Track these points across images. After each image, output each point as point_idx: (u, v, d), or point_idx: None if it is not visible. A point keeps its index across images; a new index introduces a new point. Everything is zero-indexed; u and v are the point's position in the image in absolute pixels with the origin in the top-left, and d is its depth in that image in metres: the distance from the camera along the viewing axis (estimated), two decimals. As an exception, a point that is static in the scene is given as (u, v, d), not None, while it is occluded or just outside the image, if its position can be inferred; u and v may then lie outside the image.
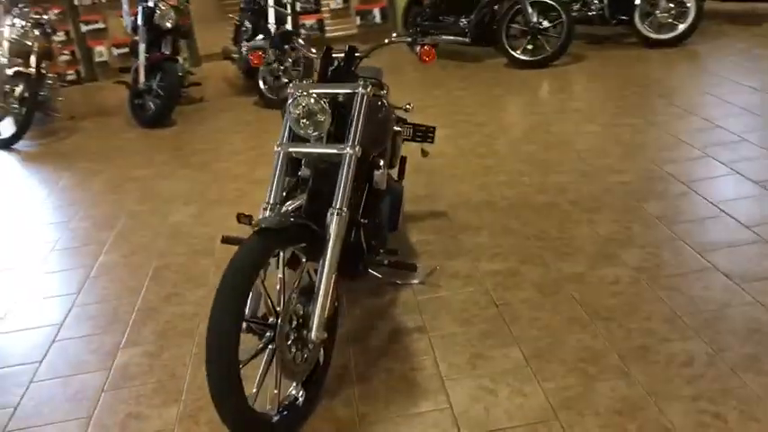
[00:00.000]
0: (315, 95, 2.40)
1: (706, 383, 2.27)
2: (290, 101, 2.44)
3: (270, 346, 2.20)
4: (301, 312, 2.27)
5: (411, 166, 3.65)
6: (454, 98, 5.94)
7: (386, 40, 2.89)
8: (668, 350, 2.45)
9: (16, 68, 6.19)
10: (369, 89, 2.53)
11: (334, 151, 2.46)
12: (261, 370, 2.22)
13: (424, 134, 3.56)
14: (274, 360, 2.19)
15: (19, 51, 6.30)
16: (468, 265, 3.20)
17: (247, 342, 2.18)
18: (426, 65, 2.78)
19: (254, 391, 2.18)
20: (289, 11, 6.56)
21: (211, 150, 5.39)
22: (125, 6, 6.85)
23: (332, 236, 2.32)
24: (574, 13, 6.64)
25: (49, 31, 6.56)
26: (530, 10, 6.53)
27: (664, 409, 2.18)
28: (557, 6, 6.41)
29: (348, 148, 2.43)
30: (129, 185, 4.85)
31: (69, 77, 8.17)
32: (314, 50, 2.93)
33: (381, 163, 2.76)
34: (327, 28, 8.51)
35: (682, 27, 6.39)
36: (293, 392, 2.34)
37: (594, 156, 4.26)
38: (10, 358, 2.95)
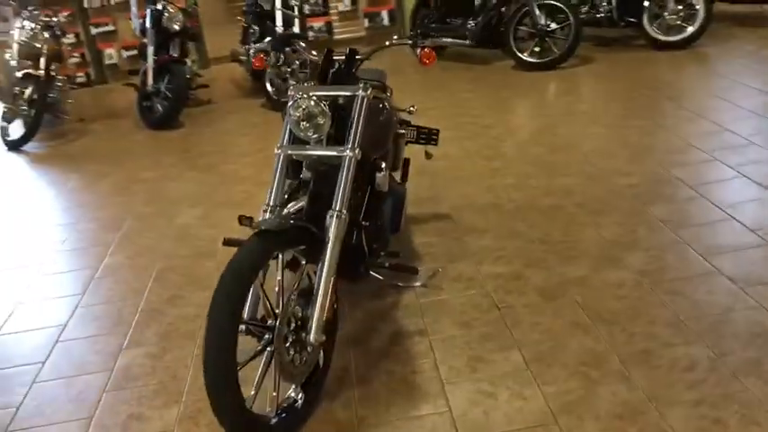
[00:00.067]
0: (315, 98, 2.40)
1: (708, 388, 2.25)
2: (290, 103, 2.44)
3: (268, 349, 2.20)
4: (300, 315, 2.27)
5: (415, 169, 3.65)
6: (461, 100, 5.93)
7: (386, 43, 2.89)
8: (671, 354, 2.43)
9: (26, 71, 6.25)
10: (369, 91, 2.52)
11: (334, 154, 2.46)
12: (259, 372, 2.21)
13: (427, 136, 3.55)
14: (273, 362, 2.19)
15: (29, 54, 6.35)
16: (471, 267, 3.19)
17: (246, 344, 2.19)
18: (427, 67, 2.78)
19: (253, 393, 2.19)
20: (296, 13, 6.58)
21: (218, 152, 5.40)
22: (134, 9, 6.90)
23: (331, 238, 2.31)
24: (582, 15, 6.61)
25: (59, 33, 6.60)
26: (537, 12, 6.51)
27: (664, 414, 2.17)
28: (564, 8, 6.39)
29: (348, 151, 2.43)
30: (136, 187, 4.87)
31: (79, 80, 8.22)
32: (314, 53, 2.94)
33: (383, 165, 2.76)
34: (335, 30, 8.52)
35: (690, 29, 6.35)
36: (292, 395, 2.34)
37: (601, 158, 4.24)
38: (14, 358, 2.97)
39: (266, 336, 2.20)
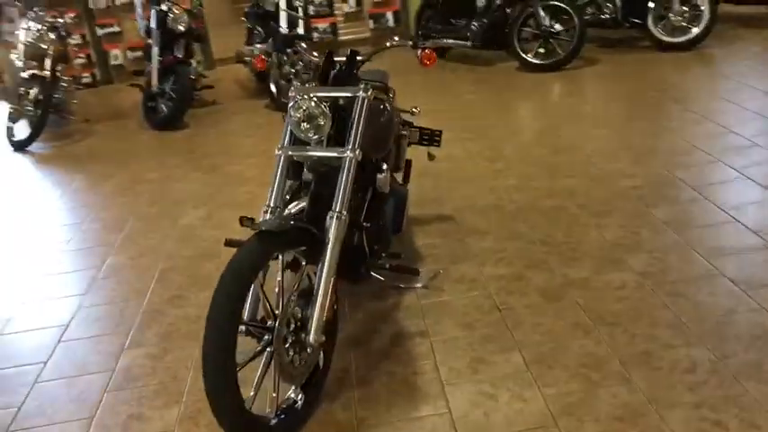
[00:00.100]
0: (315, 99, 2.41)
1: (708, 390, 2.24)
2: (290, 104, 2.45)
3: (268, 349, 2.20)
4: (300, 315, 2.27)
5: (418, 170, 3.65)
6: (464, 102, 5.93)
7: (387, 44, 2.89)
8: (671, 356, 2.43)
9: (31, 71, 6.27)
10: (369, 92, 2.52)
11: (334, 155, 2.47)
12: (259, 373, 2.22)
13: (430, 137, 3.56)
14: (272, 363, 2.19)
15: (34, 54, 6.37)
16: (473, 269, 3.18)
17: (246, 345, 2.19)
18: (427, 68, 2.78)
19: (252, 393, 2.19)
20: (301, 14, 6.59)
21: (223, 153, 5.41)
22: (139, 10, 6.92)
23: (331, 239, 2.32)
24: (586, 17, 6.61)
25: (65, 34, 6.61)
26: (542, 13, 6.49)
27: (665, 416, 2.16)
28: (569, 10, 6.38)
29: (348, 152, 2.43)
30: (140, 188, 4.88)
31: (84, 80, 8.27)
32: (316, 54, 2.94)
33: (384, 166, 2.77)
34: (340, 31, 8.53)
35: (695, 30, 6.34)
36: (292, 396, 2.34)
37: (605, 160, 4.23)
38: (16, 358, 2.98)
39: (266, 336, 2.20)
